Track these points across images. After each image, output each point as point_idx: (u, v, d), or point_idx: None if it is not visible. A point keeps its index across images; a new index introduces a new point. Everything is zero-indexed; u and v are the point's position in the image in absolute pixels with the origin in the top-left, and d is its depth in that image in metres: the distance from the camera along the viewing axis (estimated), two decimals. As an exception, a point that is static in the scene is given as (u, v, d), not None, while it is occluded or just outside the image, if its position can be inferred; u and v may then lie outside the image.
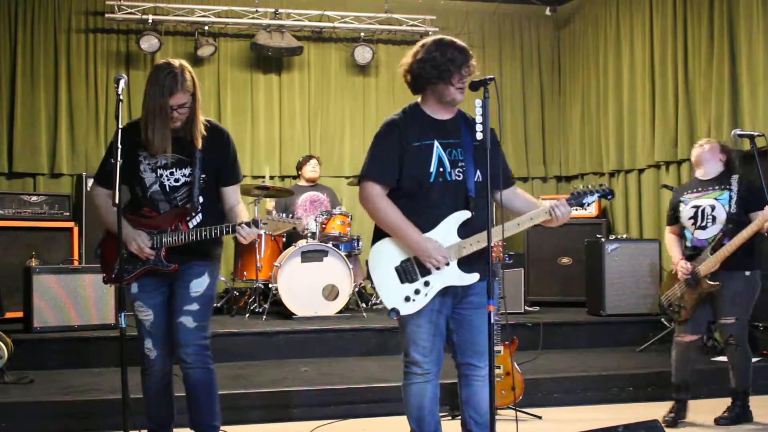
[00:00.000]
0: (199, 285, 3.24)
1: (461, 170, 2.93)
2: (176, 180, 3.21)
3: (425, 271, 2.92)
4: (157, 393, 3.35)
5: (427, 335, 2.97)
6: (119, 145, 2.93)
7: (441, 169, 2.93)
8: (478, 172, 2.95)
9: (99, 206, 3.31)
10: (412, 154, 2.93)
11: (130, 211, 3.27)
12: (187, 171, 3.21)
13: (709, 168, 4.21)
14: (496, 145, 3.06)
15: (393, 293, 2.95)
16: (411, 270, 2.93)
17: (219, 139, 3.27)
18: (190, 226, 3.22)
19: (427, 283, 2.92)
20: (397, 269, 2.96)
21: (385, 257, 2.98)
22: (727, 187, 4.10)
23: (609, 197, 3.04)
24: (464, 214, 2.91)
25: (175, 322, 3.22)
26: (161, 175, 3.21)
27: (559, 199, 2.93)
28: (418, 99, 3.10)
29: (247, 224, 3.11)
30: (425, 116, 3.01)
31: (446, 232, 2.91)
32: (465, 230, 2.91)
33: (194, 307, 3.23)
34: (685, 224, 4.19)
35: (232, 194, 3.31)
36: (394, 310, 2.92)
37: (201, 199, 3.24)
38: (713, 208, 4.10)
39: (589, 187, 2.98)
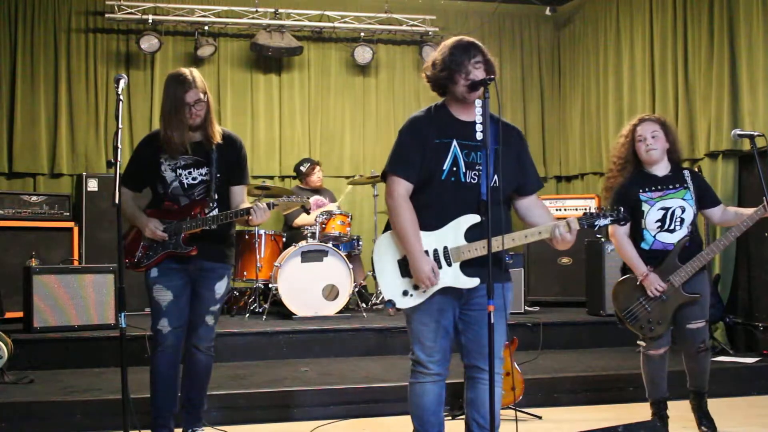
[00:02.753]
0: (220, 288, 3.63)
1: (477, 173, 2.90)
2: (194, 178, 3.56)
3: None
4: (167, 371, 3.52)
5: (432, 334, 2.97)
6: (119, 145, 3.05)
7: (454, 169, 2.91)
8: (495, 177, 2.91)
9: (122, 203, 3.55)
10: (430, 151, 2.93)
11: (152, 206, 3.62)
12: (203, 170, 3.56)
13: (664, 161, 3.88)
14: (521, 148, 3.05)
15: (392, 285, 2.97)
16: None
17: (233, 145, 3.68)
18: (208, 216, 3.53)
19: None
20: (399, 262, 2.96)
21: (390, 249, 3.00)
22: (685, 185, 3.84)
23: (622, 223, 2.94)
24: (472, 218, 2.88)
25: (200, 319, 3.60)
26: (180, 174, 3.55)
27: (569, 218, 2.85)
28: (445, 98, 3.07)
29: (266, 205, 3.47)
30: (449, 115, 2.99)
31: (454, 233, 2.91)
32: (474, 234, 2.89)
33: (216, 308, 3.65)
34: (648, 226, 3.82)
35: (239, 193, 3.68)
36: (390, 302, 2.97)
37: (216, 196, 3.58)
38: (683, 209, 3.79)
39: (604, 210, 2.90)
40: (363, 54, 7.96)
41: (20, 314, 5.57)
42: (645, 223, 3.83)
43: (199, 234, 3.51)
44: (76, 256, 6.25)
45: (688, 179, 3.85)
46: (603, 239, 6.47)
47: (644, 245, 3.84)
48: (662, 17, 6.94)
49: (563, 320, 6.16)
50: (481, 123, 2.82)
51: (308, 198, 6.89)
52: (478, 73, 2.89)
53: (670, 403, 3.99)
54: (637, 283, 3.81)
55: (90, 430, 4.10)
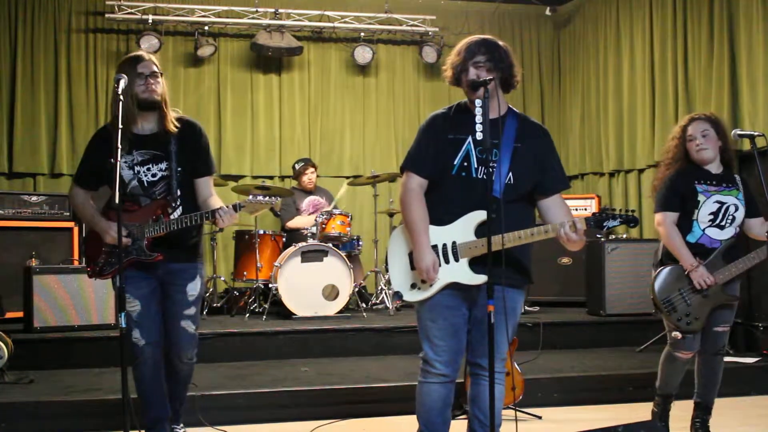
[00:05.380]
0: (193, 288, 3.40)
1: (490, 170, 2.86)
2: (153, 175, 3.31)
3: None
4: (150, 383, 3.39)
5: (441, 333, 2.96)
6: (119, 145, 2.96)
7: (465, 164, 2.91)
8: (511, 175, 2.91)
9: (77, 205, 3.45)
10: (443, 147, 2.95)
11: (112, 207, 3.32)
12: (163, 165, 3.32)
13: (717, 161, 3.81)
14: (542, 147, 3.02)
15: (402, 277, 2.99)
16: None
17: (192, 132, 3.39)
18: (172, 218, 3.31)
19: None
20: (410, 255, 2.97)
21: (403, 241, 3.01)
22: (737, 187, 3.77)
23: (632, 225, 2.86)
24: (481, 214, 2.87)
25: (176, 325, 3.38)
26: (138, 172, 3.31)
27: (576, 218, 2.82)
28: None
29: (232, 207, 3.21)
30: (468, 112, 2.98)
31: (464, 228, 2.91)
32: (484, 231, 2.84)
33: (192, 311, 3.41)
34: (701, 218, 3.69)
35: (204, 186, 3.41)
36: (398, 294, 2.99)
37: (179, 192, 3.34)
38: (736, 208, 3.69)
39: (614, 210, 2.86)
40: (363, 54, 7.97)
41: (20, 314, 5.56)
42: (698, 215, 3.71)
43: (163, 236, 3.29)
44: (76, 256, 6.24)
45: (739, 183, 3.79)
46: (603, 239, 6.47)
47: (690, 238, 3.72)
48: (662, 17, 6.95)
49: (563, 320, 6.15)
50: (481, 123, 2.81)
51: (303, 202, 6.98)
52: (480, 73, 2.89)
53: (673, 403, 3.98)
54: (685, 274, 3.68)
55: (90, 430, 4.09)
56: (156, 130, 3.32)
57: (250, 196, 3.26)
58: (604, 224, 2.84)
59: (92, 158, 3.37)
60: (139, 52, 3.35)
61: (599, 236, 6.65)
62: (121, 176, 3.23)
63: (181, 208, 3.34)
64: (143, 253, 3.27)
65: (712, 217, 3.71)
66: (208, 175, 3.43)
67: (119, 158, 3.18)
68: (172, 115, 3.33)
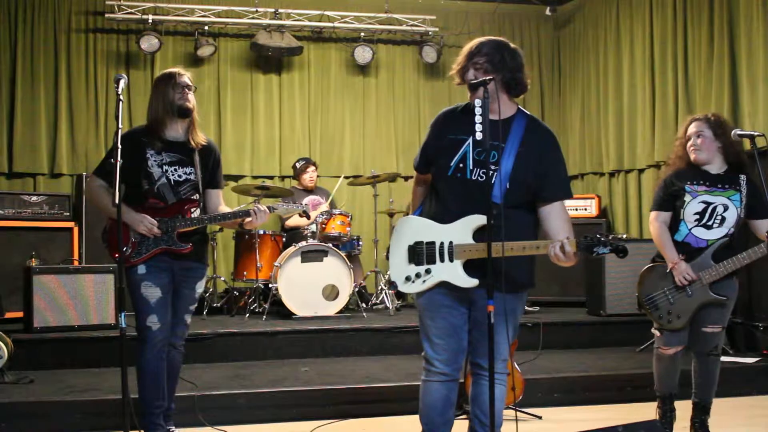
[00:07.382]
0: (200, 287, 3.73)
1: (486, 172, 2.84)
2: (179, 176, 3.59)
3: (431, 259, 2.94)
4: (156, 367, 3.52)
5: (440, 332, 2.97)
6: (119, 146, 3.06)
7: (461, 165, 2.91)
8: (512, 179, 2.87)
9: (99, 196, 3.59)
10: (444, 146, 2.97)
11: (133, 202, 3.53)
12: (188, 169, 3.61)
13: (718, 161, 3.83)
14: (546, 151, 2.96)
15: (398, 269, 3.02)
16: (420, 253, 2.96)
17: (212, 151, 3.74)
18: (203, 216, 3.62)
19: (428, 271, 2.94)
20: (409, 248, 2.99)
21: (403, 233, 3.04)
22: (737, 187, 3.76)
23: (621, 255, 2.80)
24: (478, 219, 2.86)
25: (181, 318, 3.66)
26: (167, 171, 3.57)
27: (565, 241, 2.75)
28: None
29: (267, 208, 3.57)
30: (473, 113, 2.90)
31: (462, 230, 2.91)
32: (484, 235, 2.80)
33: (194, 307, 3.74)
34: (686, 218, 3.74)
35: (216, 196, 3.76)
36: (393, 284, 3.05)
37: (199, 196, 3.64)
38: (726, 208, 3.70)
39: (604, 238, 2.78)
40: (363, 54, 7.97)
41: (20, 314, 5.57)
42: (683, 214, 3.76)
43: (188, 233, 3.56)
44: (76, 256, 6.25)
45: (742, 183, 3.77)
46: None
47: (677, 237, 3.78)
48: (662, 17, 6.95)
49: (563, 320, 6.15)
50: (480, 123, 2.81)
51: (303, 201, 6.98)
52: (478, 74, 2.89)
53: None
54: (667, 271, 3.74)
55: (90, 430, 4.10)
56: (184, 138, 3.61)
57: (283, 199, 3.52)
58: (594, 249, 2.77)
59: (121, 154, 3.45)
60: (178, 69, 3.66)
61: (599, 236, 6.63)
62: (150, 172, 3.54)
63: (199, 210, 3.64)
64: (175, 243, 3.52)
65: (697, 216, 3.75)
66: (220, 188, 3.78)
67: (149, 156, 3.52)
68: (200, 133, 3.66)
